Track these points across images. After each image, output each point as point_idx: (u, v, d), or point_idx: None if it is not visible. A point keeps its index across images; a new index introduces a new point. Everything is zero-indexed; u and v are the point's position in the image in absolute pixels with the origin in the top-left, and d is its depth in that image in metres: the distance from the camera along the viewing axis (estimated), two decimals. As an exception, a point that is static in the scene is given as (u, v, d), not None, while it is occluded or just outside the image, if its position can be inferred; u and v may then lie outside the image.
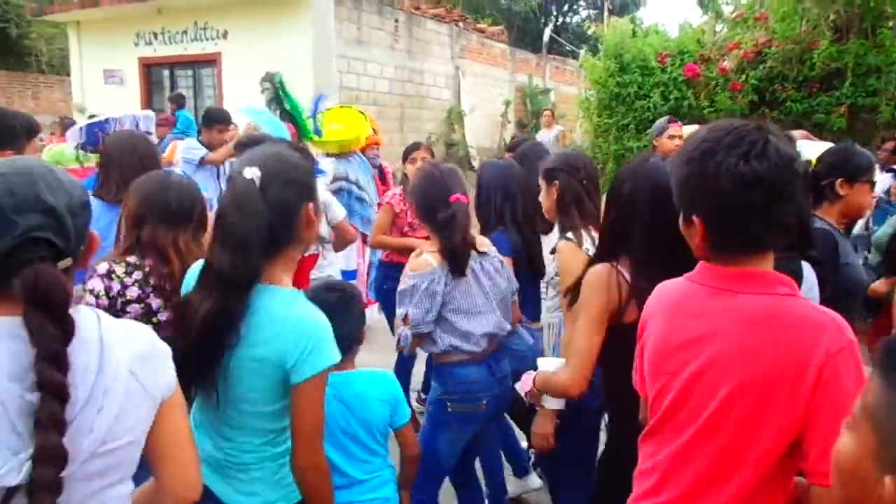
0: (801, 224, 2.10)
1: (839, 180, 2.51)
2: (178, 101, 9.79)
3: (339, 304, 1.98)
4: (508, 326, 2.66)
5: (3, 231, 1.04)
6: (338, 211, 3.93)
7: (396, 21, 12.76)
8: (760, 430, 1.25)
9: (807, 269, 2.07)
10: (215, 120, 5.40)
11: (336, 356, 1.58)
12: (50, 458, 1.02)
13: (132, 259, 2.04)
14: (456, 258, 2.49)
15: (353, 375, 2.10)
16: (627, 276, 1.89)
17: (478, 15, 20.74)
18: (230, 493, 1.66)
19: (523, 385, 2.31)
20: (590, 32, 10.33)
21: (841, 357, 1.20)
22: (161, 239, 2.02)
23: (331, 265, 4.18)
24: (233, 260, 1.51)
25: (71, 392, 1.06)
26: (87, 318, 1.13)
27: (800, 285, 1.94)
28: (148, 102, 12.50)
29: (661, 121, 4.62)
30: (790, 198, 1.26)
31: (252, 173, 1.50)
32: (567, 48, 22.80)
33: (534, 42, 22.83)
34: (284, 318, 1.55)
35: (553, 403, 2.27)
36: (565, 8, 31.49)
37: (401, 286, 2.58)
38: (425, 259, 2.53)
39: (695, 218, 1.31)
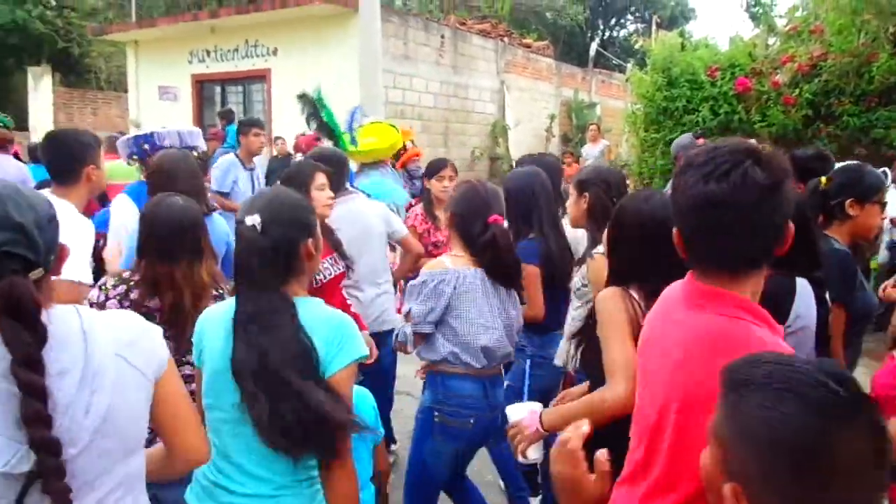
0: (808, 244, 2.07)
1: (850, 200, 2.47)
2: (228, 117, 10.03)
3: None
4: (510, 348, 2.66)
5: None
6: (399, 227, 3.67)
7: (442, 37, 12.85)
8: (691, 446, 1.20)
9: (803, 288, 2.04)
10: (250, 124, 6.05)
11: (364, 351, 1.68)
12: (44, 448, 1.13)
13: (126, 274, 2.16)
14: (507, 274, 2.60)
15: None
16: (639, 301, 1.87)
17: (523, 30, 20.76)
18: None
19: (524, 425, 2.07)
20: (637, 46, 10.21)
21: None
22: (154, 273, 2.13)
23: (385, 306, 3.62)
24: (267, 301, 1.64)
25: (59, 384, 1.16)
26: (66, 315, 1.24)
27: (788, 304, 1.95)
28: (199, 117, 12.86)
29: (685, 137, 4.48)
30: (759, 220, 1.24)
31: (253, 220, 1.65)
32: (614, 62, 22.61)
33: (580, 56, 22.71)
34: (315, 318, 1.66)
35: (534, 454, 2.11)
36: (612, 22, 31.29)
37: (411, 282, 2.67)
38: (440, 261, 2.62)
39: (675, 230, 1.36)
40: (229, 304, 1.73)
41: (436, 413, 2.56)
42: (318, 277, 2.97)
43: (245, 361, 1.60)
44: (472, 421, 2.53)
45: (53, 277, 1.27)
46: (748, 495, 0.84)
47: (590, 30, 29.69)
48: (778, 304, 1.87)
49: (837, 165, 2.86)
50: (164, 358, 1.38)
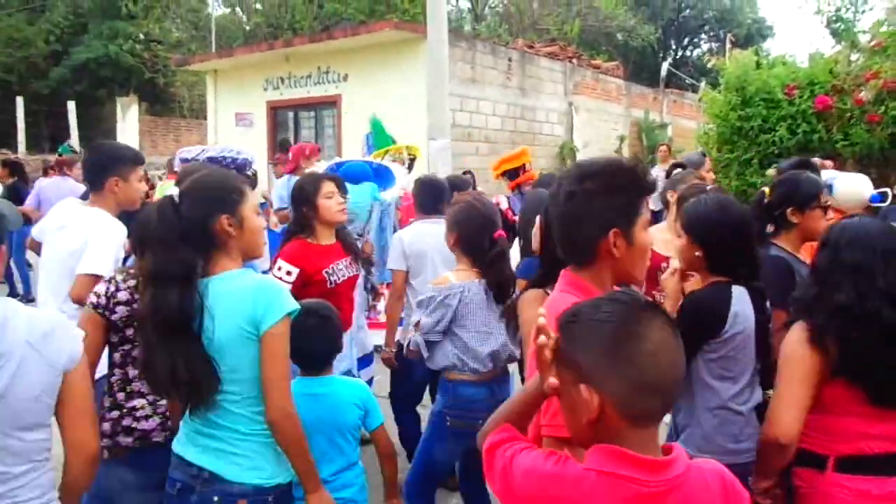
0: (748, 254, 2.20)
1: (790, 209, 2.60)
2: (284, 146, 10.39)
3: (316, 326, 2.27)
4: (517, 353, 2.77)
5: None
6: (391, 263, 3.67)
7: (510, 60, 12.89)
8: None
9: (739, 296, 2.13)
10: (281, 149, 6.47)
11: (292, 305, 1.85)
12: None
13: (133, 270, 2.27)
14: (502, 288, 2.76)
15: (328, 378, 2.36)
16: None
17: (593, 51, 20.62)
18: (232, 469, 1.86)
19: None
20: (710, 65, 9.96)
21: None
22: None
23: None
24: (162, 259, 1.81)
25: None
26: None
27: (725, 311, 2.08)
28: (273, 142, 13.28)
29: (694, 155, 4.50)
30: (569, 225, 1.57)
31: (172, 191, 1.87)
32: (686, 82, 22.15)
33: (651, 76, 22.36)
34: (238, 288, 1.84)
35: None
36: (685, 41, 30.73)
37: (420, 297, 2.89)
38: (445, 276, 2.84)
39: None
40: None
41: (448, 418, 2.74)
42: (332, 279, 3.13)
43: (143, 316, 1.84)
44: (480, 421, 2.54)
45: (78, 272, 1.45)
46: (593, 385, 1.12)
47: (661, 50, 29.24)
48: (714, 311, 2.09)
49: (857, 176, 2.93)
50: (76, 354, 1.61)
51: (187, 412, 1.91)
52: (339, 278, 3.17)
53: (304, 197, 3.17)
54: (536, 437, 1.39)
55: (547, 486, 1.14)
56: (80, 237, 2.76)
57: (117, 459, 2.14)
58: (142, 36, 22.47)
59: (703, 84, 18.16)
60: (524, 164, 6.10)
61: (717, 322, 2.08)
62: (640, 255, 1.59)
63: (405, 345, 2.86)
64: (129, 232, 2.77)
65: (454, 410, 2.73)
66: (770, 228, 2.69)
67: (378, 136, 5.96)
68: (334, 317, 2.42)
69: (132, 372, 2.20)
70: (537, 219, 2.34)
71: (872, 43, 7.14)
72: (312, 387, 2.29)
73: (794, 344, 1.93)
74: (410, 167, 5.85)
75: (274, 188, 6.26)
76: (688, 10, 29.33)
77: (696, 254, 2.20)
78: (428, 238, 3.49)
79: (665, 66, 17.90)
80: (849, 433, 1.88)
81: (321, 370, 2.33)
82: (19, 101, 18.99)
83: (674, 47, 30.45)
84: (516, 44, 14.48)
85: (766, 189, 2.74)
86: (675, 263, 2.34)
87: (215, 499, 1.83)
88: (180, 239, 1.82)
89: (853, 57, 7.40)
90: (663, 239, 3.03)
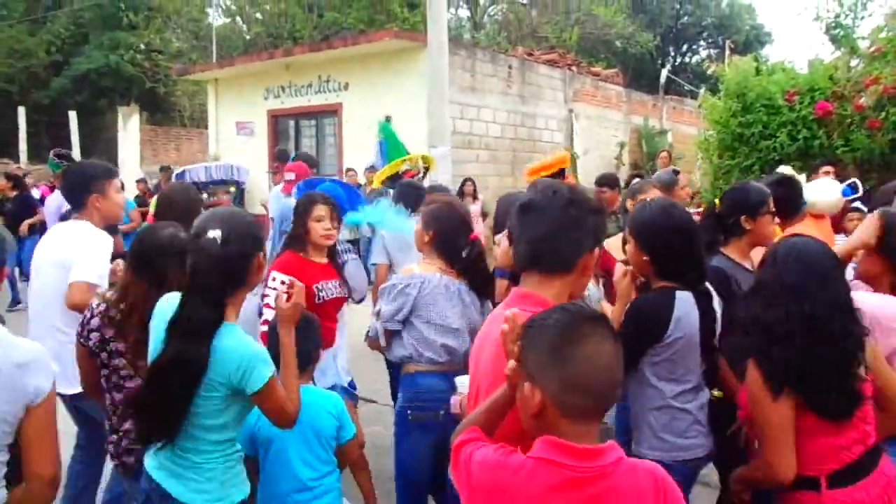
0: (695, 261, 2.26)
1: (743, 216, 2.69)
2: (282, 157, 10.39)
3: (300, 327, 2.22)
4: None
5: None
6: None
7: (510, 68, 12.93)
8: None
9: (682, 301, 2.18)
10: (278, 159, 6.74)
11: (270, 370, 1.91)
12: None
13: (109, 294, 2.32)
14: (484, 287, 2.85)
15: (306, 388, 2.37)
16: None
17: (592, 59, 20.67)
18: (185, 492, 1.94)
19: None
20: (709, 72, 9.98)
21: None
22: (129, 284, 2.29)
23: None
24: (206, 311, 1.84)
25: None
26: None
27: (667, 316, 2.15)
28: (274, 150, 13.31)
29: (666, 174, 4.81)
30: (564, 231, 1.60)
31: (214, 234, 1.86)
32: (685, 88, 22.20)
33: (650, 83, 22.42)
34: (232, 345, 1.88)
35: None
36: (684, 48, 30.81)
37: (382, 286, 2.93)
38: (410, 267, 2.89)
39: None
40: (173, 301, 1.92)
41: (409, 411, 2.75)
42: (321, 295, 3.21)
43: (163, 364, 1.86)
44: (441, 412, 2.61)
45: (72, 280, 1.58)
46: (536, 383, 1.26)
47: (660, 56, 29.31)
48: (656, 316, 2.16)
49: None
50: (42, 391, 1.64)
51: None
52: (327, 296, 3.26)
53: (297, 215, 3.31)
54: (513, 433, 1.42)
55: (493, 474, 1.27)
56: (68, 251, 2.77)
57: (128, 476, 2.26)
58: (142, 46, 22.54)
59: (702, 90, 18.20)
60: (562, 171, 5.86)
61: (659, 327, 2.14)
62: (587, 276, 1.68)
63: (365, 334, 2.85)
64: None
65: (414, 403, 2.74)
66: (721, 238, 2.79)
67: (391, 143, 5.93)
68: (315, 321, 2.57)
69: (117, 395, 2.27)
70: (502, 236, 2.40)
71: (872, 49, 7.16)
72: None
73: (753, 386, 1.97)
74: (424, 177, 5.85)
75: (271, 199, 6.24)
76: (686, 17, 29.43)
77: (644, 258, 2.25)
78: (409, 235, 3.54)
79: (664, 73, 17.96)
80: (827, 450, 1.92)
81: (303, 371, 2.33)
82: (21, 111, 19.02)
83: (672, 54, 30.52)
84: (516, 51, 14.53)
85: (717, 200, 2.86)
86: (621, 267, 2.40)
87: None
88: (219, 275, 1.87)
89: (853, 63, 7.43)
90: (617, 246, 3.16)
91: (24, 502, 1.70)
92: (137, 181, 12.19)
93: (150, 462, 1.99)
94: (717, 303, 2.32)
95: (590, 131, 14.75)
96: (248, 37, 21.60)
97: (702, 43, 30.55)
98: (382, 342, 2.82)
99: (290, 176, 5.95)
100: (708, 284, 2.31)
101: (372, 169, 10.45)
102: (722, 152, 7.79)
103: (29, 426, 1.63)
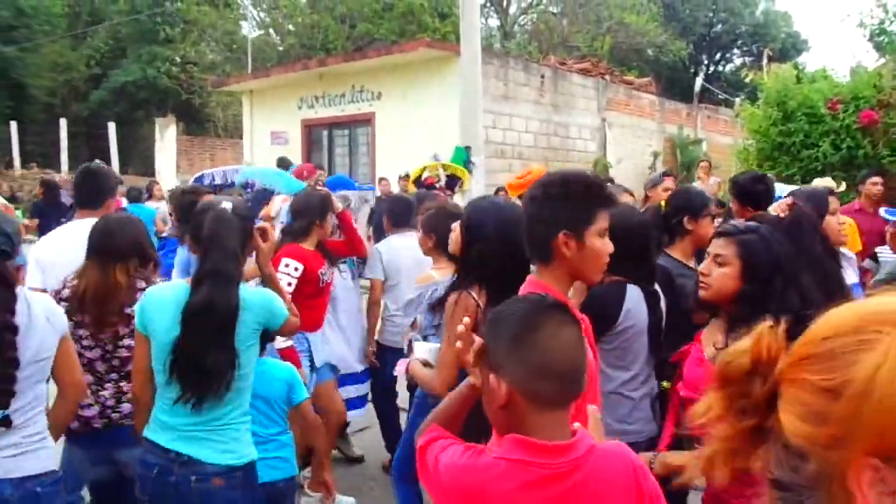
0: (645, 259, 2.46)
1: (686, 217, 2.87)
2: (283, 164, 10.51)
3: None
4: None
5: None
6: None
7: (542, 77, 12.89)
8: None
9: (633, 294, 2.38)
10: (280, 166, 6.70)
11: (286, 311, 2.29)
12: (9, 362, 1.94)
13: (69, 277, 2.65)
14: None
15: (261, 359, 2.62)
16: (477, 299, 2.29)
17: (623, 67, 20.53)
18: (209, 453, 2.13)
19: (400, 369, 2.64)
20: (747, 80, 9.83)
21: None
22: (85, 267, 2.60)
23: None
24: (229, 263, 2.12)
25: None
26: (20, 291, 2.04)
27: (618, 306, 2.34)
28: (308, 159, 13.42)
29: (656, 175, 4.95)
30: (529, 224, 1.80)
31: (226, 205, 2.23)
32: (719, 97, 21.92)
33: (683, 92, 22.18)
34: (252, 294, 2.21)
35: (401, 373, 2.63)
36: (717, 56, 30.46)
37: (408, 297, 3.07)
38: (429, 274, 3.02)
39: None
40: (181, 286, 2.18)
41: (429, 398, 2.87)
42: (323, 279, 3.61)
43: (196, 309, 2.06)
44: None
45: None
46: (501, 374, 1.25)
47: (693, 65, 29.00)
48: (608, 306, 2.33)
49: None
50: (65, 324, 2.16)
51: (168, 404, 2.14)
52: (326, 279, 3.66)
53: (315, 210, 3.65)
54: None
55: (462, 477, 1.27)
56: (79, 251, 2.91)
57: (70, 439, 2.52)
58: (178, 59, 22.97)
59: (738, 100, 17.96)
60: None
61: (611, 316, 2.32)
62: (592, 257, 1.76)
63: (405, 347, 2.91)
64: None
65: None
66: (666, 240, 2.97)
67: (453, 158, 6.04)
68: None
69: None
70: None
71: (919, 55, 6.99)
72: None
73: None
74: (450, 185, 5.86)
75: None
76: (720, 25, 29.08)
77: None
78: (403, 251, 3.87)
79: (699, 81, 17.74)
80: None
81: (261, 351, 2.61)
82: (62, 122, 19.49)
83: (706, 62, 30.19)
84: (548, 60, 14.49)
85: (663, 203, 3.06)
86: None
87: (193, 479, 2.09)
88: (230, 234, 2.18)
89: (899, 70, 7.24)
90: None
91: (60, 407, 2.19)
92: (171, 191, 12.40)
93: (163, 436, 2.13)
94: (662, 301, 2.51)
95: (623, 140, 14.63)
96: (281, 48, 21.89)
97: (735, 51, 30.17)
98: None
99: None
100: (657, 285, 2.50)
101: (406, 177, 10.51)
102: (762, 162, 7.64)
103: (60, 352, 2.12)
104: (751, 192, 3.34)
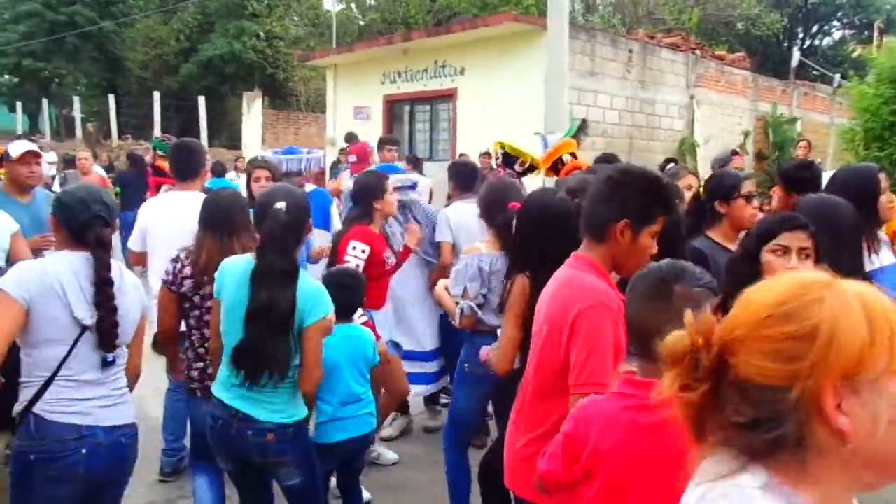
0: (677, 242, 2.46)
1: (717, 201, 2.96)
2: (349, 139, 10.57)
3: (352, 284, 3.11)
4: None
5: (85, 212, 2.22)
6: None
7: (630, 51, 12.50)
8: (545, 355, 1.95)
9: None
10: (384, 142, 6.69)
11: (329, 309, 2.45)
12: (110, 311, 2.21)
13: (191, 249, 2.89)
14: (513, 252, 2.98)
15: (353, 325, 3.10)
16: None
17: (711, 42, 19.68)
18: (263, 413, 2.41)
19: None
20: (854, 55, 9.24)
21: (586, 312, 1.83)
22: (203, 240, 2.85)
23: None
24: (283, 262, 2.35)
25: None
26: (113, 260, 2.29)
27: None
28: (388, 133, 13.53)
29: (724, 153, 5.09)
30: (595, 203, 1.95)
31: (280, 205, 2.39)
32: (814, 73, 20.75)
33: (774, 67, 21.09)
34: (302, 283, 2.40)
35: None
36: (814, 29, 28.79)
37: (455, 267, 3.29)
38: (476, 246, 3.21)
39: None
40: (246, 259, 2.43)
41: (466, 365, 3.14)
42: (389, 262, 3.82)
43: (259, 307, 2.30)
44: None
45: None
46: None
47: (787, 39, 27.51)
48: None
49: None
50: (146, 303, 2.44)
51: (229, 368, 2.40)
52: (391, 263, 3.85)
53: (373, 191, 3.80)
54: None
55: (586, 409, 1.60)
56: (189, 219, 3.09)
57: (206, 397, 2.67)
58: (262, 34, 23.49)
59: (837, 76, 16.94)
60: (561, 157, 5.83)
61: None
62: (638, 252, 1.89)
63: (458, 314, 3.11)
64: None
65: (472, 358, 3.05)
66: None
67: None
68: (362, 279, 3.25)
69: (206, 332, 2.75)
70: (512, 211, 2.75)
71: None
72: (348, 331, 3.02)
73: None
74: (508, 162, 5.72)
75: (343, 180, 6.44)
76: (818, -4, 27.46)
77: None
78: (470, 216, 3.86)
79: (796, 56, 16.80)
80: None
81: (350, 318, 3.06)
82: (156, 95, 20.28)
83: (801, 36, 28.59)
84: (637, 35, 14.03)
85: (700, 188, 3.18)
86: None
87: (249, 433, 2.40)
88: (284, 234, 2.37)
89: None
90: None
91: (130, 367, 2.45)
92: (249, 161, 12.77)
93: (225, 393, 2.43)
94: None
95: (712, 118, 14.07)
96: (362, 23, 22.06)
97: (835, 23, 28.44)
98: (479, 315, 3.13)
99: (353, 158, 6.40)
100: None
101: (487, 155, 10.44)
102: (869, 143, 7.23)
103: (138, 328, 2.38)
104: (797, 178, 3.38)
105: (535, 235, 2.53)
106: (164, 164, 7.49)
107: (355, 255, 3.61)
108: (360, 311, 3.29)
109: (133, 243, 3.74)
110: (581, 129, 6.38)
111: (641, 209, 1.86)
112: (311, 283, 2.46)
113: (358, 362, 3.03)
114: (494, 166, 6.27)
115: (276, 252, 2.34)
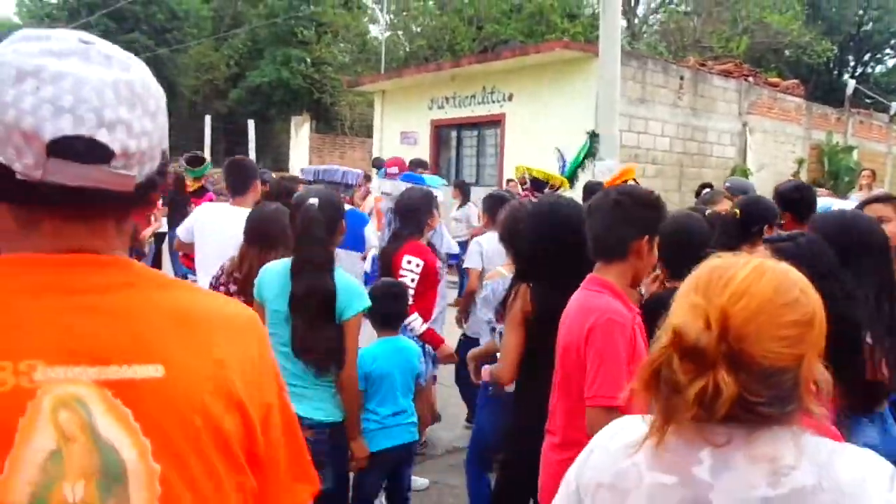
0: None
1: (766, 225, 3.06)
2: (377, 164, 10.60)
3: (392, 293, 3.14)
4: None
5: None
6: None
7: (682, 78, 12.37)
8: (571, 376, 2.02)
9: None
10: (416, 164, 7.10)
11: (367, 302, 2.57)
12: None
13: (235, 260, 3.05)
14: (518, 260, 3.00)
15: (401, 338, 3.17)
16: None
17: (760, 69, 19.39)
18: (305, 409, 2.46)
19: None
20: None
21: (597, 327, 1.92)
22: (246, 251, 3.00)
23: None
24: (320, 251, 2.49)
25: None
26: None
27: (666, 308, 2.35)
28: (436, 159, 13.58)
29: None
30: (612, 224, 2.05)
31: (312, 201, 2.54)
32: (866, 101, 20.26)
33: (825, 95, 20.67)
34: (338, 277, 2.52)
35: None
36: (866, 57, 28.22)
37: (481, 294, 3.41)
38: (498, 270, 3.32)
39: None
40: (285, 261, 2.56)
41: (490, 387, 3.14)
42: (440, 274, 3.91)
43: (299, 295, 2.42)
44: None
45: None
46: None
47: (837, 66, 27.00)
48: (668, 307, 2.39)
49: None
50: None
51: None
52: (442, 275, 3.99)
53: (422, 206, 3.92)
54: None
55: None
56: (236, 230, 3.24)
57: None
58: (308, 60, 23.95)
59: (894, 104, 16.50)
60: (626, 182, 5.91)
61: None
62: (650, 263, 2.11)
63: (499, 337, 3.15)
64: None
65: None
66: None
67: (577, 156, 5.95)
68: (404, 289, 3.33)
69: None
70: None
71: None
72: (396, 343, 3.09)
73: None
74: (538, 188, 5.76)
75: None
76: (870, 24, 26.92)
77: (659, 261, 2.54)
78: (501, 247, 4.12)
79: (851, 84, 16.43)
80: None
81: (396, 329, 3.14)
82: (207, 119, 20.76)
83: (853, 63, 28.04)
84: (688, 62, 13.90)
85: (737, 210, 3.20)
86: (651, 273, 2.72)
87: None
88: (318, 229, 2.50)
89: None
90: None
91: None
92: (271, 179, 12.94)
93: None
94: None
95: (765, 146, 13.80)
96: (408, 49, 22.33)
97: (888, 51, 27.83)
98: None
99: (394, 170, 6.55)
100: None
101: (512, 181, 10.36)
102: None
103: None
104: (789, 200, 3.45)
105: (540, 240, 2.57)
106: (188, 184, 7.81)
107: (411, 269, 3.72)
108: (419, 319, 3.53)
109: (181, 231, 4.05)
110: (594, 143, 6.42)
111: (654, 223, 2.05)
112: (348, 277, 2.57)
113: (406, 374, 3.11)
114: (521, 191, 6.24)
115: (310, 244, 2.48)
